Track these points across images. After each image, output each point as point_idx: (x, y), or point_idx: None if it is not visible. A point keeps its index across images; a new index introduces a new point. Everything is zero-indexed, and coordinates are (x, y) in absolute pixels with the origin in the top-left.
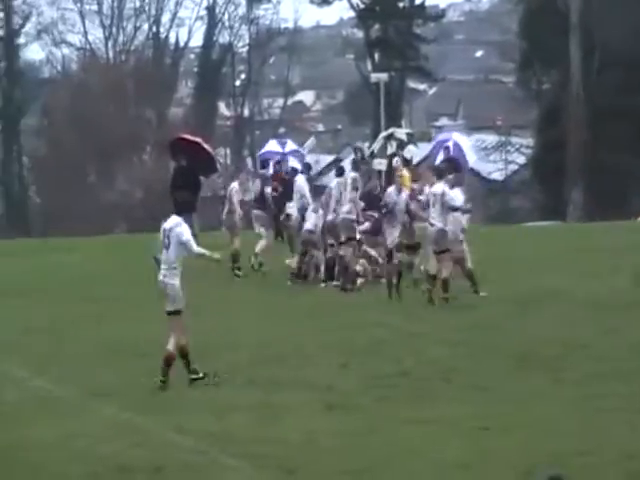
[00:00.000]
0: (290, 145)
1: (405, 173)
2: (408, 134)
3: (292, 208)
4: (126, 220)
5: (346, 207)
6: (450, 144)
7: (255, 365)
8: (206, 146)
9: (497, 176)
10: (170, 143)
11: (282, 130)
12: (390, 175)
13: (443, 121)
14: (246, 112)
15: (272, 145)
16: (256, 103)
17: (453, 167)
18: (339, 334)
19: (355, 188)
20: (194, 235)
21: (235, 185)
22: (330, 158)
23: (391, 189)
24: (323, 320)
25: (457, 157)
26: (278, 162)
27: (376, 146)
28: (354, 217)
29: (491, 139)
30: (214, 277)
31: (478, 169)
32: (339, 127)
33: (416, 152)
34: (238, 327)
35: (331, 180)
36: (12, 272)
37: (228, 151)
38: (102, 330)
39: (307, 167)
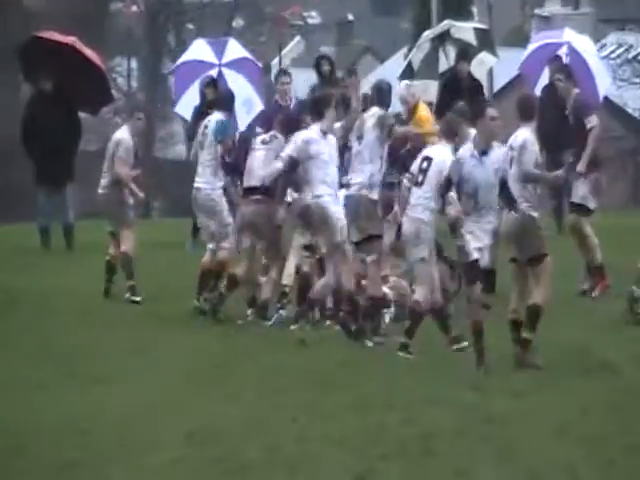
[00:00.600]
0: (234, 48)
1: (423, 112)
2: (479, 31)
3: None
4: None
5: (363, 173)
6: (563, 52)
7: None
8: (89, 53)
9: None
10: (23, 48)
11: (239, 23)
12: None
13: (552, 7)
14: None
15: (199, 49)
16: None
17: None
18: (362, 419)
19: (381, 140)
20: (69, 225)
21: (124, 134)
22: None
23: (465, 150)
24: (331, 392)
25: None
26: (211, 82)
27: (417, 56)
28: (375, 195)
29: None
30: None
31: (617, 100)
32: (349, 18)
33: (494, 66)
34: (163, 401)
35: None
36: None
37: (134, 63)
38: None
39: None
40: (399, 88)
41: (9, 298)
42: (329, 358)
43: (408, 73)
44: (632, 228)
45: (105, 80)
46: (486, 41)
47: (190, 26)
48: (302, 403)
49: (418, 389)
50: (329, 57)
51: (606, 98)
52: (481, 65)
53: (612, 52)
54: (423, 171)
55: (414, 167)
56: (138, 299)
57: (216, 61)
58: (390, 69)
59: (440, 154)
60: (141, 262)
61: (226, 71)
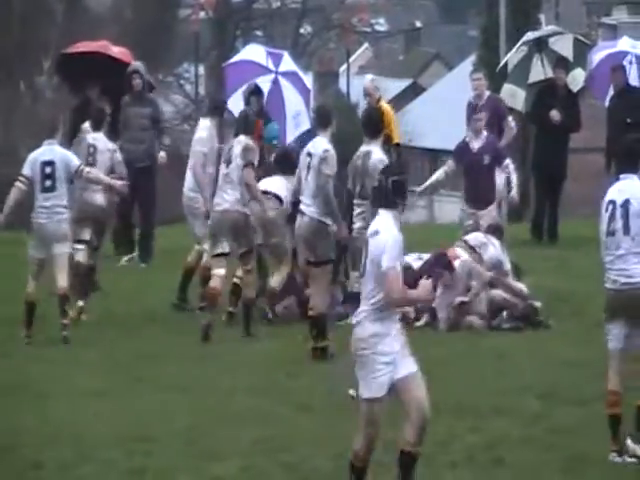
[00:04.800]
0: (289, 62)
1: (386, 107)
2: (578, 44)
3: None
4: None
5: (234, 192)
6: (627, 62)
7: None
8: (117, 51)
9: None
10: (58, 68)
11: (306, 30)
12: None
13: (619, 15)
14: None
15: (255, 53)
16: None
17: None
18: (430, 427)
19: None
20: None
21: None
22: (401, 84)
23: None
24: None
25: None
26: (255, 90)
27: (514, 58)
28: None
29: None
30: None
31: None
32: (418, 24)
33: (580, 80)
34: (230, 409)
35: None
36: None
37: (201, 70)
38: None
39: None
40: (364, 81)
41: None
42: None
43: (503, 72)
44: None
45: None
46: (583, 56)
47: (258, 33)
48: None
49: (486, 398)
50: (141, 72)
51: None
52: (573, 83)
53: None
54: None
55: None
56: None
57: (273, 68)
58: (458, 76)
59: None
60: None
61: (282, 80)
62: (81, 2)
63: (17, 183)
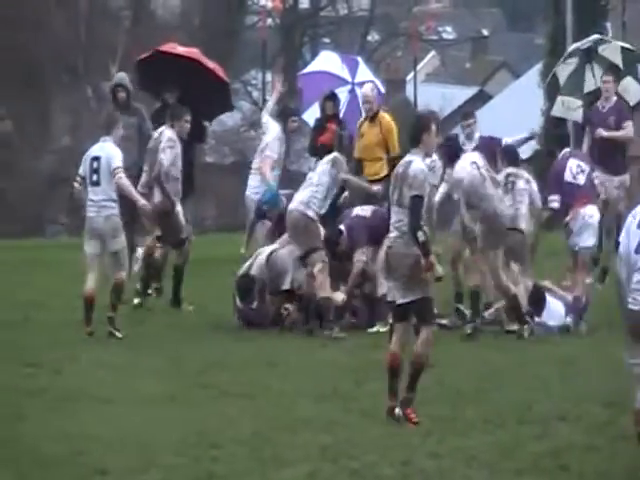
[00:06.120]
0: (364, 70)
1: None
2: (627, 52)
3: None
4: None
5: (304, 192)
6: None
7: None
8: (211, 64)
9: None
10: (143, 61)
11: (374, 37)
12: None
13: None
14: (304, 0)
15: (331, 62)
16: None
17: None
18: (495, 434)
19: (332, 174)
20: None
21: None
22: (468, 92)
23: None
24: (465, 407)
25: None
26: (331, 96)
27: (564, 70)
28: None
29: None
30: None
31: None
32: (484, 32)
33: (635, 90)
34: (295, 416)
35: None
36: None
37: (269, 76)
38: None
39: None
40: (365, 87)
41: (139, 312)
42: (463, 373)
43: (553, 84)
44: None
45: (227, 90)
46: (632, 65)
47: (325, 40)
48: (436, 418)
49: (551, 405)
50: (125, 85)
51: None
52: (624, 93)
53: None
54: None
55: None
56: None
57: (349, 78)
58: (525, 85)
59: None
60: None
61: (359, 90)
62: (148, 8)
63: (74, 183)
